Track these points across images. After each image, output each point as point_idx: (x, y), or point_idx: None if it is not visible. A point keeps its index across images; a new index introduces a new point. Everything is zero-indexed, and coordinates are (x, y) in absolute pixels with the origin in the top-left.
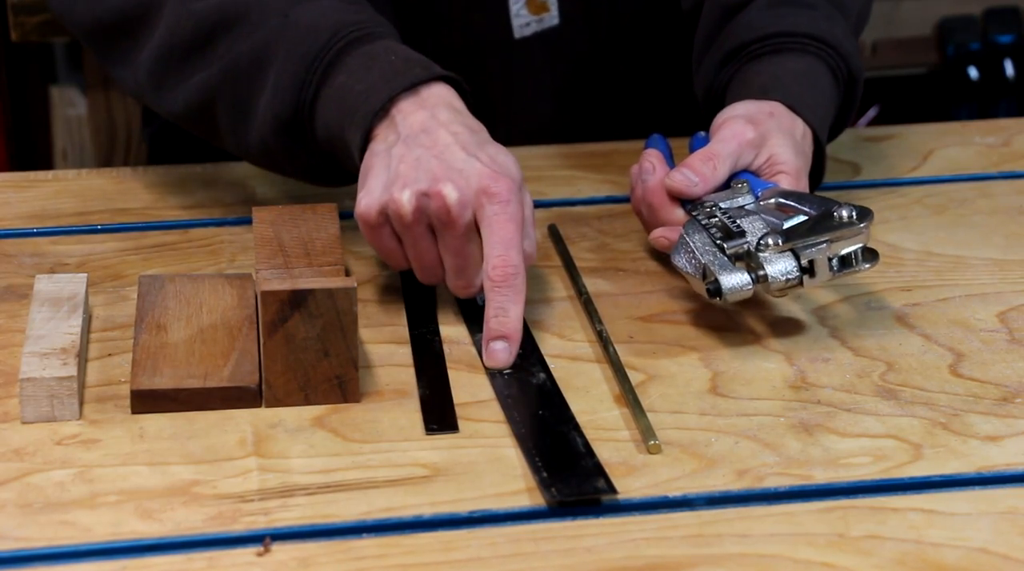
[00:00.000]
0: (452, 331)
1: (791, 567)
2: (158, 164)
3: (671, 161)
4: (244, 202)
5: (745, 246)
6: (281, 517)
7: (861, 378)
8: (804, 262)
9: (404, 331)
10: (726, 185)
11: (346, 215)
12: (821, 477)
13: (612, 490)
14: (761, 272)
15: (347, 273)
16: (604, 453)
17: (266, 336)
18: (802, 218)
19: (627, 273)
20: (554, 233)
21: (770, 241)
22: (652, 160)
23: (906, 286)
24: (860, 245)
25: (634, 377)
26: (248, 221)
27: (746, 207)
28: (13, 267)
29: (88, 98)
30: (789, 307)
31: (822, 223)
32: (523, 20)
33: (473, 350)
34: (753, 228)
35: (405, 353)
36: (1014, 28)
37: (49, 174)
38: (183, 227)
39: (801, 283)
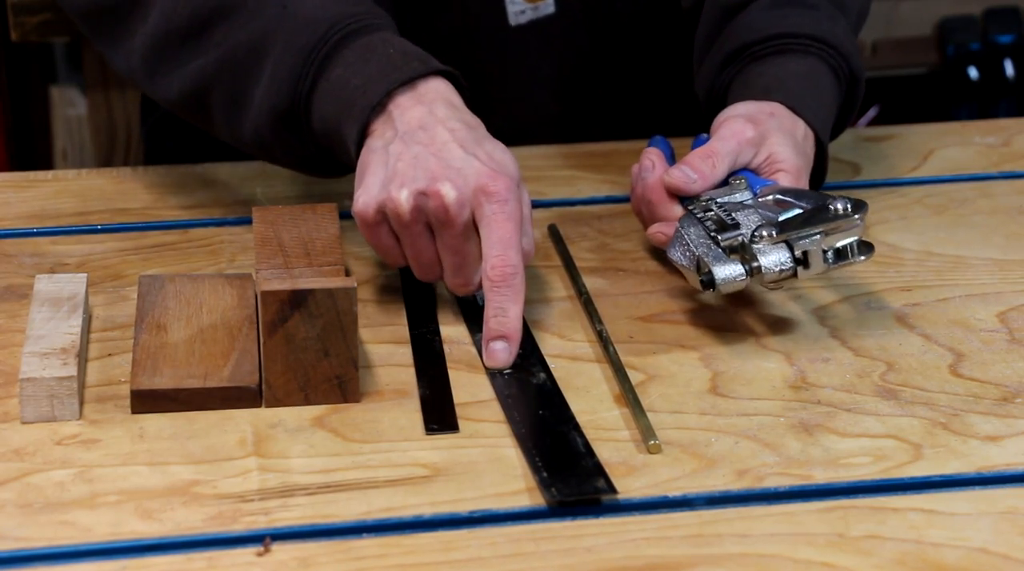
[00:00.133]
0: (452, 331)
1: (791, 567)
2: (155, 159)
3: (672, 162)
4: (244, 202)
5: (739, 238)
6: (281, 517)
7: (861, 378)
8: (798, 253)
9: (404, 331)
10: (725, 182)
11: (346, 215)
12: (821, 477)
13: (612, 490)
14: (755, 263)
15: (347, 273)
16: (604, 453)
17: (266, 336)
18: (798, 211)
19: (627, 273)
20: (554, 233)
21: (764, 233)
22: (652, 158)
23: (906, 286)
24: (855, 237)
25: (634, 377)
26: (248, 221)
27: (744, 202)
28: (13, 267)
29: (88, 98)
30: (789, 307)
31: (817, 215)
32: (518, 7)
33: (473, 350)
34: (748, 221)
35: (405, 353)
36: (1014, 28)
37: (49, 174)
38: (183, 227)
39: (795, 274)
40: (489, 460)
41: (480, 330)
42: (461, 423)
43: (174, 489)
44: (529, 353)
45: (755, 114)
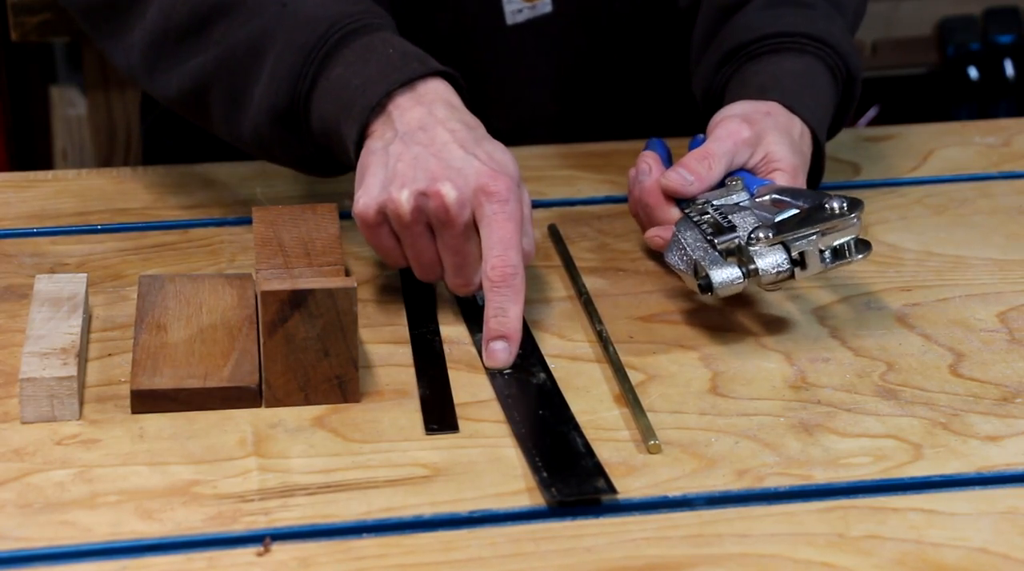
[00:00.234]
0: (452, 331)
1: (791, 567)
2: (154, 157)
3: (669, 164)
4: (244, 202)
5: (736, 241)
6: (281, 517)
7: (861, 378)
8: (795, 254)
9: (404, 331)
10: (721, 184)
11: (346, 215)
12: (821, 477)
13: (612, 490)
14: (752, 265)
15: (347, 273)
16: (604, 453)
17: (266, 336)
18: (794, 212)
19: (627, 273)
20: (554, 233)
21: (761, 234)
22: (648, 161)
23: (906, 286)
24: (852, 236)
25: (634, 377)
26: (248, 221)
27: (740, 203)
28: (13, 267)
29: (88, 98)
30: (789, 307)
31: (813, 215)
32: (515, 6)
33: (473, 350)
34: (744, 223)
35: (405, 353)
36: (1014, 28)
37: (49, 174)
38: (183, 227)
39: (792, 275)
40: (489, 460)
41: (480, 330)
42: (461, 423)
43: (174, 489)
44: (529, 353)
45: (751, 114)
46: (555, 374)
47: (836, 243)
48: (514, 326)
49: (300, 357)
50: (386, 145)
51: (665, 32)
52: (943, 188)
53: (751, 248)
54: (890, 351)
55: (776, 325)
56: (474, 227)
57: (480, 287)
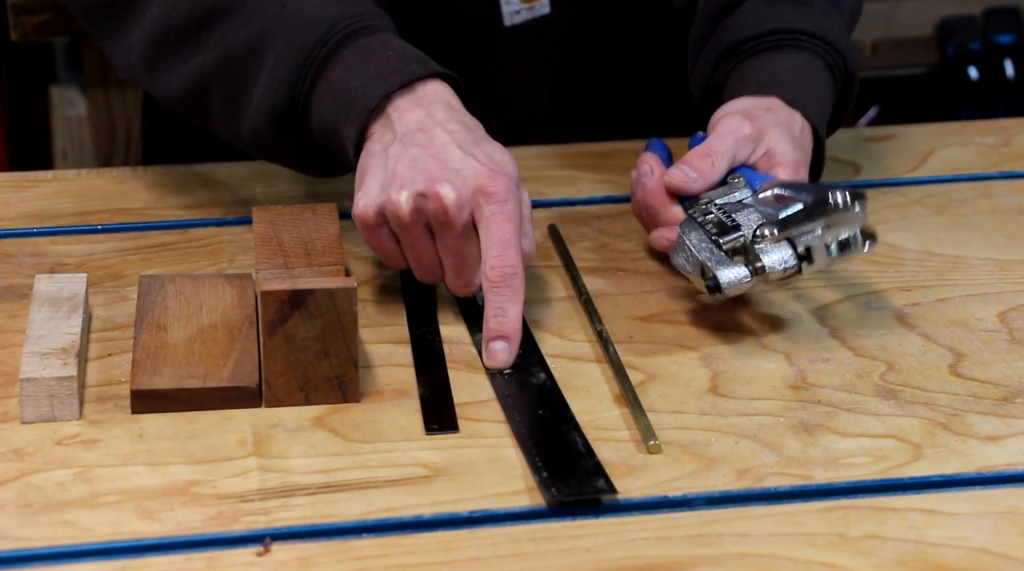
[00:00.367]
0: (452, 331)
1: (791, 567)
2: (154, 156)
3: (669, 164)
4: (244, 202)
5: (741, 240)
6: (281, 517)
7: (861, 378)
8: (801, 250)
9: (404, 331)
10: (723, 181)
11: (346, 215)
12: (821, 477)
13: (612, 490)
14: (759, 263)
15: (347, 273)
16: (604, 453)
17: (266, 336)
18: (798, 207)
19: (627, 273)
20: (554, 233)
21: (766, 232)
22: (649, 162)
23: (906, 286)
24: (857, 229)
25: (634, 377)
26: (248, 221)
27: (743, 201)
28: (13, 267)
29: (88, 98)
30: (789, 307)
31: (817, 209)
32: (513, 7)
33: (473, 350)
34: (748, 221)
35: (405, 353)
36: (1014, 28)
37: (49, 174)
38: (183, 227)
39: (800, 271)
40: (489, 460)
41: (480, 330)
42: (461, 423)
43: (174, 489)
44: (529, 353)
45: (752, 110)
46: (555, 374)
47: (842, 236)
48: (514, 326)
49: (300, 357)
50: (385, 147)
51: (663, 32)
52: (943, 188)
53: (757, 246)
54: (890, 351)
55: (776, 325)
56: (473, 228)
57: (480, 288)
